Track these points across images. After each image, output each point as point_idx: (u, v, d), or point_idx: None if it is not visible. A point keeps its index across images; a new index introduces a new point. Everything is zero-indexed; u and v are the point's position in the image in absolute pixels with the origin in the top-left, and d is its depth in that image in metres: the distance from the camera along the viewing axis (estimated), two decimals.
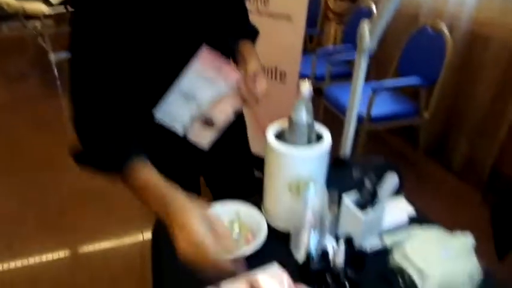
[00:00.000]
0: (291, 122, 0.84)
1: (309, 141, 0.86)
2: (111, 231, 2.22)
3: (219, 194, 1.26)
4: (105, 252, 2.10)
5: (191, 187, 1.18)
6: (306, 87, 0.81)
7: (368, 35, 1.20)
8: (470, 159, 2.56)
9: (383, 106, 2.43)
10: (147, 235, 2.13)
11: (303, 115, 0.82)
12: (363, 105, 2.29)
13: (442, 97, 2.48)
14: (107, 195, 2.51)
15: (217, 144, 1.12)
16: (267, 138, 0.87)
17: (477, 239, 0.83)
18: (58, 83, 4.17)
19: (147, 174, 0.81)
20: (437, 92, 2.37)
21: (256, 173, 1.30)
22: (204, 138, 0.99)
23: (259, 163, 1.06)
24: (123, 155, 0.82)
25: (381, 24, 1.17)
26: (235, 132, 1.21)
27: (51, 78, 4.19)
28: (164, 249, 0.93)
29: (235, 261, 0.72)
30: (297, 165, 0.84)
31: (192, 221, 0.71)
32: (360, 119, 2.33)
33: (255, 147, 1.29)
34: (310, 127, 0.84)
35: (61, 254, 2.08)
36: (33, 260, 2.03)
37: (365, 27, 1.22)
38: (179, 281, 0.84)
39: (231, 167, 1.23)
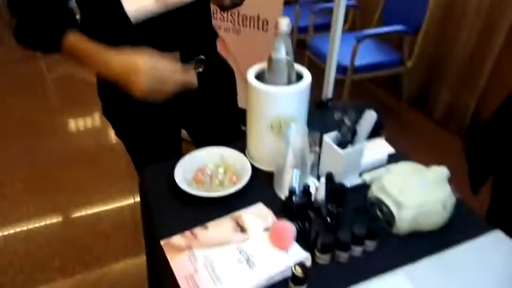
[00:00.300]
0: (271, 60, 0.85)
1: (289, 80, 0.87)
2: (101, 193, 2.23)
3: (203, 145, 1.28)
4: (96, 214, 2.11)
5: (171, 141, 1.20)
6: (284, 22, 0.80)
7: None
8: (452, 108, 2.60)
9: (367, 56, 2.42)
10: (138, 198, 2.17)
11: (282, 52, 0.82)
12: (346, 55, 2.28)
13: (425, 46, 2.48)
14: (94, 157, 2.51)
15: (203, 97, 1.12)
16: (247, 79, 0.88)
17: (457, 184, 0.87)
18: None
19: (86, 43, 0.86)
20: (421, 39, 2.37)
21: (243, 128, 1.31)
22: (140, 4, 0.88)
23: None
24: (58, 32, 0.85)
25: None
26: (222, 86, 1.21)
27: None
28: (151, 191, 0.95)
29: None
30: (278, 102, 0.85)
31: (141, 56, 0.80)
32: (344, 69, 2.34)
33: (242, 102, 1.29)
34: (290, 64, 0.85)
35: (53, 217, 2.09)
36: (23, 223, 2.04)
37: None
38: (169, 225, 0.86)
39: (216, 121, 1.24)
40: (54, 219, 2.07)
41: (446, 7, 2.48)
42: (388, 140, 1.07)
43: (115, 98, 1.05)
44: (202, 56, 1.06)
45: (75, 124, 2.94)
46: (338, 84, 2.22)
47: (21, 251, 1.89)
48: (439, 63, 2.64)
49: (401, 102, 2.66)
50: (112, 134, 2.68)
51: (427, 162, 0.89)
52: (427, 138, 2.55)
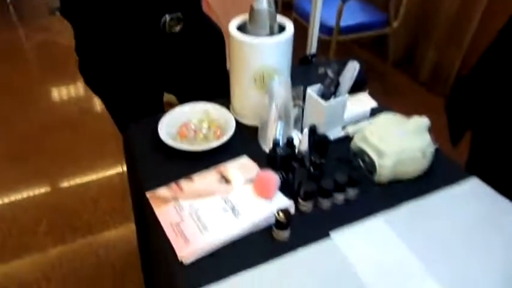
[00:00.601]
0: (252, 11, 0.83)
1: (272, 31, 0.86)
2: (86, 158, 2.21)
3: None
4: (82, 179, 2.10)
5: (152, 102, 1.19)
6: None
7: None
8: (438, 69, 2.62)
9: (352, 16, 2.40)
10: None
11: (264, 2, 0.81)
12: (332, 16, 2.25)
13: (411, 6, 2.46)
14: (78, 125, 2.47)
15: (188, 59, 1.11)
16: (229, 31, 0.86)
17: (440, 142, 0.88)
18: (11, 8, 3.88)
19: None
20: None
21: None
22: None
23: None
24: None
25: None
26: (209, 48, 1.19)
27: (2, 3, 3.89)
28: (135, 147, 0.95)
29: None
30: (260, 54, 0.85)
31: None
32: (329, 30, 2.31)
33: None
34: (272, 15, 0.84)
35: (37, 182, 2.08)
36: (8, 190, 2.02)
37: None
38: (155, 178, 0.87)
39: (204, 84, 1.23)
40: (39, 185, 2.06)
41: None
42: (372, 96, 1.08)
43: (94, 54, 1.03)
44: (179, 14, 1.03)
45: (57, 91, 2.88)
46: (323, 45, 2.21)
47: (8, 217, 1.89)
48: (424, 23, 2.63)
49: (386, 63, 2.66)
50: (95, 100, 2.66)
51: None
52: (412, 100, 2.57)
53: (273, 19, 0.86)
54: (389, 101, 1.08)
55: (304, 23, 2.48)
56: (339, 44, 2.39)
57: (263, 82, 0.89)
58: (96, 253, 1.72)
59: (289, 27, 0.88)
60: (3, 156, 2.24)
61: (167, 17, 1.03)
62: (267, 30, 0.85)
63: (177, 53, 1.12)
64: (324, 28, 2.18)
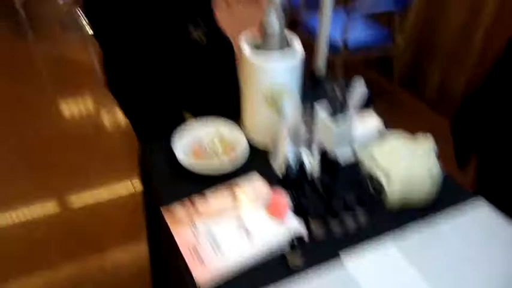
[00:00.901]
0: (263, 33, 0.86)
1: (282, 52, 0.88)
2: (97, 174, 2.20)
3: None
4: (93, 196, 2.08)
5: (175, 115, 1.22)
6: None
7: None
8: (443, 89, 2.64)
9: (358, 33, 2.43)
10: (137, 183, 2.11)
11: (274, 22, 0.83)
12: (337, 32, 2.29)
13: (415, 23, 2.50)
14: (90, 141, 2.46)
15: (204, 74, 1.14)
16: (241, 50, 0.89)
17: (446, 164, 0.90)
18: (26, 24, 3.94)
19: None
20: (411, 16, 2.38)
21: None
22: None
23: None
24: None
25: None
26: (224, 61, 1.22)
27: (16, 19, 3.95)
28: (150, 163, 0.98)
29: None
30: (271, 75, 0.87)
31: None
32: (335, 48, 2.35)
33: None
34: (282, 35, 0.86)
35: (48, 198, 2.06)
36: (18, 205, 2.02)
37: None
38: (169, 194, 0.89)
39: (216, 99, 1.26)
40: (50, 201, 2.06)
41: None
42: (377, 114, 1.10)
43: (122, 69, 1.06)
44: (199, 20, 1.08)
45: (70, 105, 2.89)
46: (329, 65, 2.24)
47: (19, 233, 1.88)
48: (429, 43, 2.66)
49: (392, 83, 2.68)
50: (107, 116, 2.68)
51: None
52: (417, 119, 2.57)
53: (283, 40, 0.89)
54: (395, 119, 1.10)
55: (310, 41, 2.53)
56: (345, 63, 2.42)
57: (274, 101, 0.91)
58: (106, 271, 1.72)
59: (298, 46, 0.90)
60: (14, 171, 2.25)
61: (193, 27, 1.07)
62: (278, 50, 0.88)
63: (200, 64, 1.16)
64: (330, 46, 2.21)
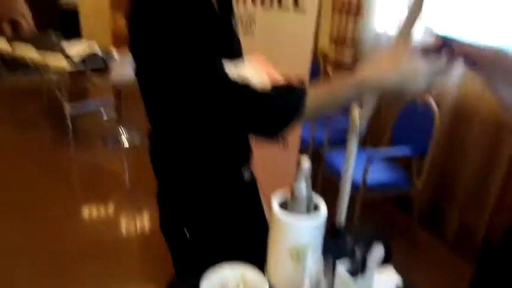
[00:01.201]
0: (293, 194, 0.98)
1: (308, 211, 0.99)
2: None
3: None
4: None
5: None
6: (306, 162, 0.95)
7: (359, 119, 1.36)
8: (463, 230, 2.66)
9: (377, 174, 2.58)
10: None
11: (303, 189, 0.96)
12: (358, 172, 2.44)
13: (433, 167, 2.63)
14: (115, 252, 2.48)
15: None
16: (272, 207, 1.00)
17: None
18: (70, 134, 4.34)
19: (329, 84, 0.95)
20: (428, 162, 2.53)
21: None
22: None
23: None
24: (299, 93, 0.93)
25: (369, 109, 1.33)
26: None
27: (63, 129, 4.37)
28: None
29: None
30: (297, 233, 0.97)
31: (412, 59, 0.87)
32: (355, 187, 2.47)
33: None
34: (309, 199, 0.98)
35: None
36: None
37: (356, 112, 1.38)
38: None
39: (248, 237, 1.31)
40: None
41: (451, 131, 2.69)
42: (397, 261, 1.14)
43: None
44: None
45: (98, 214, 2.99)
46: (349, 200, 2.33)
47: None
48: (447, 185, 2.76)
49: (411, 221, 2.73)
50: (134, 228, 2.74)
51: None
52: (437, 262, 2.55)
53: (310, 201, 1.00)
54: (413, 261, 1.12)
55: (332, 177, 2.68)
56: (365, 198, 2.52)
57: (298, 256, 0.99)
58: None
59: (323, 207, 1.01)
60: (31, 278, 2.23)
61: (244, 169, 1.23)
62: (305, 211, 0.99)
63: (251, 202, 1.29)
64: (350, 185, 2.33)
